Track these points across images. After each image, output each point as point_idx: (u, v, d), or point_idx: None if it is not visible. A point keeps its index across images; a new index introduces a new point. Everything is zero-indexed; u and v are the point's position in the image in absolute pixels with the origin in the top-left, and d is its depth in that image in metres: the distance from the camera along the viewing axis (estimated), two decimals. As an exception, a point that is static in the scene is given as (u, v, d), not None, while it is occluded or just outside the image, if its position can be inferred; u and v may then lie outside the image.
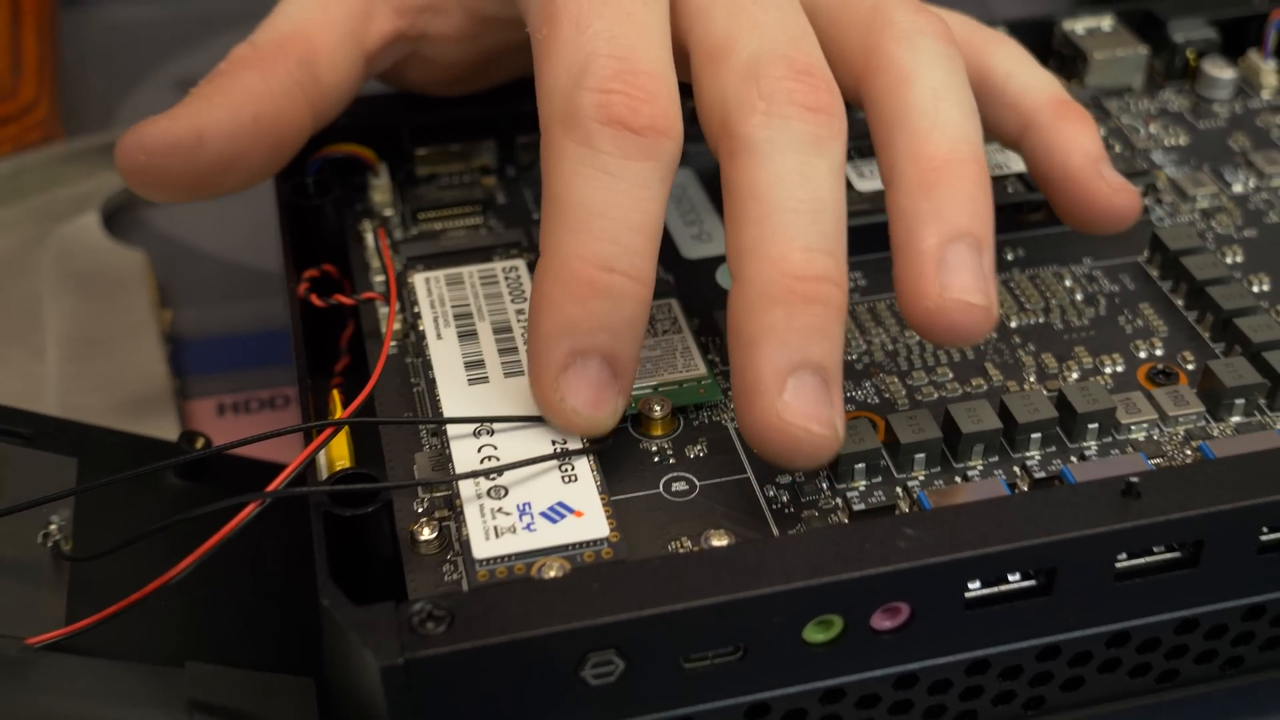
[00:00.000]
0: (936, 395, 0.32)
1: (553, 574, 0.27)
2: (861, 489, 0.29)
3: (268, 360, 0.40)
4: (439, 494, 0.29)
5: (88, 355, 0.38)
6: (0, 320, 0.38)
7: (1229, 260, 0.35)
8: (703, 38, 0.30)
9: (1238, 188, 0.37)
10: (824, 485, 0.30)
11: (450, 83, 0.38)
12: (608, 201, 0.28)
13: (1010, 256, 0.36)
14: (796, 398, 0.27)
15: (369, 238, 0.35)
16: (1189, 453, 0.30)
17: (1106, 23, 0.41)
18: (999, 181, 0.36)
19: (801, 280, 0.27)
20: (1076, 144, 0.32)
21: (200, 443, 0.34)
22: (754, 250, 0.27)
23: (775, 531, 0.29)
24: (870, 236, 0.34)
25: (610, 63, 0.28)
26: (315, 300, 0.33)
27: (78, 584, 0.30)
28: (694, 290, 0.34)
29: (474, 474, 0.28)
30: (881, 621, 0.27)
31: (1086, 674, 0.29)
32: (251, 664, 0.30)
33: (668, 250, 0.35)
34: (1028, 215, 0.36)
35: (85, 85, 0.49)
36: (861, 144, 0.36)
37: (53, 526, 0.31)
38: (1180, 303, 0.34)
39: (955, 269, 0.28)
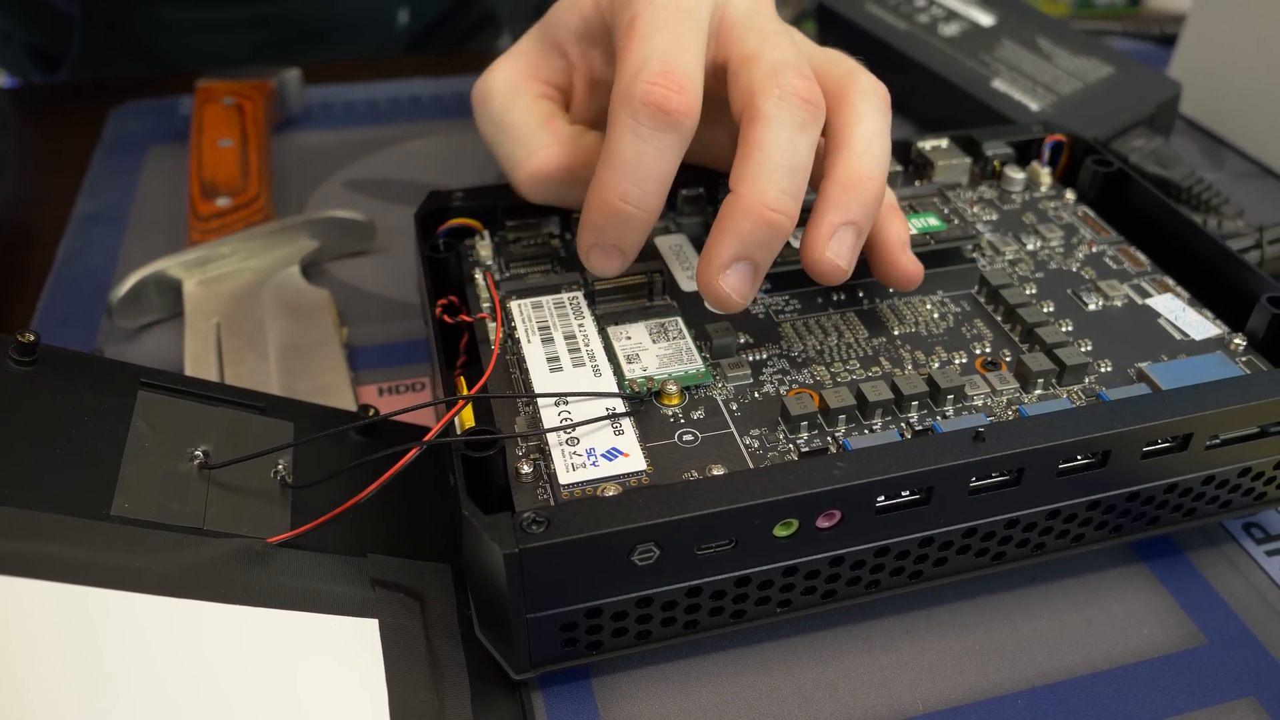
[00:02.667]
0: (850, 378, 0.31)
1: (610, 493, 0.26)
2: (805, 438, 0.28)
3: (411, 359, 0.38)
4: (533, 444, 0.28)
5: (295, 357, 0.36)
6: (240, 335, 0.37)
7: (1028, 292, 0.34)
8: (740, 50, 0.29)
9: (1030, 246, 0.36)
10: (780, 436, 0.29)
11: None
12: (637, 156, 0.28)
13: (891, 290, 0.34)
14: (735, 275, 0.28)
15: (479, 279, 0.34)
16: (1010, 413, 0.29)
17: (944, 143, 0.40)
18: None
19: (770, 209, 0.27)
20: (894, 231, 0.32)
21: (371, 412, 0.33)
22: (748, 179, 0.28)
23: (751, 466, 0.28)
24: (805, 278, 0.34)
25: (659, 64, 0.28)
26: (446, 319, 0.32)
27: (298, 504, 0.29)
28: (691, 311, 0.33)
29: (556, 429, 0.28)
30: (823, 522, 0.26)
31: (949, 555, 0.29)
32: (409, 554, 0.29)
33: (671, 285, 0.34)
34: None
35: (288, 185, 0.47)
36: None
37: (280, 466, 0.30)
38: (999, 319, 0.33)
39: (840, 241, 0.29)
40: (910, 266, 0.32)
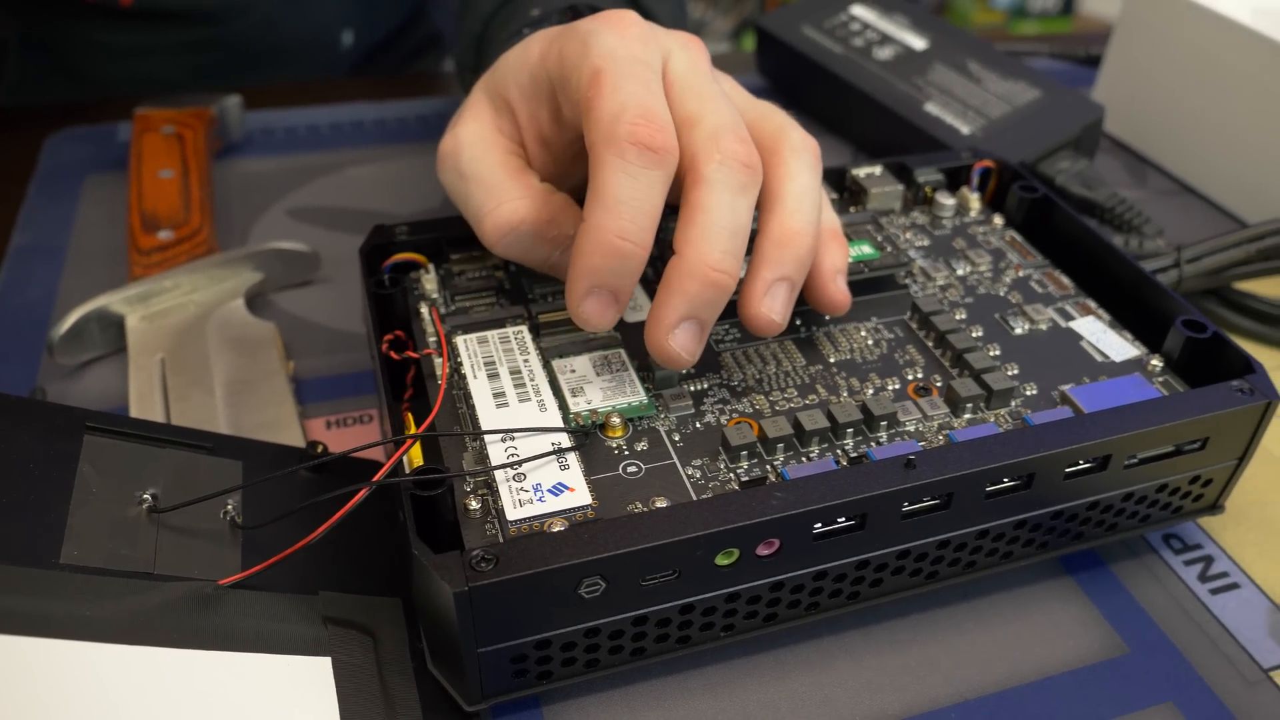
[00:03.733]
0: (788, 406, 0.32)
1: (557, 529, 0.27)
2: (745, 467, 0.30)
3: (357, 391, 0.39)
4: (481, 480, 0.29)
5: (242, 392, 0.37)
6: (185, 371, 0.37)
7: (957, 317, 0.35)
8: (681, 112, 0.30)
9: (960, 271, 0.38)
10: (721, 465, 0.30)
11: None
12: (631, 194, 0.28)
13: (827, 318, 0.36)
14: (683, 334, 0.29)
15: (425, 313, 0.35)
16: (941, 438, 0.31)
17: (877, 170, 0.42)
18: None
19: (714, 269, 0.29)
20: (829, 259, 0.33)
21: (320, 449, 0.34)
22: (693, 241, 0.29)
23: (693, 496, 0.29)
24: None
25: (638, 108, 0.29)
26: (393, 355, 0.33)
27: (248, 544, 0.30)
28: (634, 343, 0.34)
29: (503, 465, 0.29)
30: (762, 550, 0.27)
31: (884, 576, 0.30)
32: (361, 590, 0.30)
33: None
34: None
35: (230, 215, 0.47)
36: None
37: (229, 506, 0.30)
38: (930, 344, 0.34)
39: (774, 296, 0.31)
40: (838, 295, 0.33)
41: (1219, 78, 0.51)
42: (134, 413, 0.36)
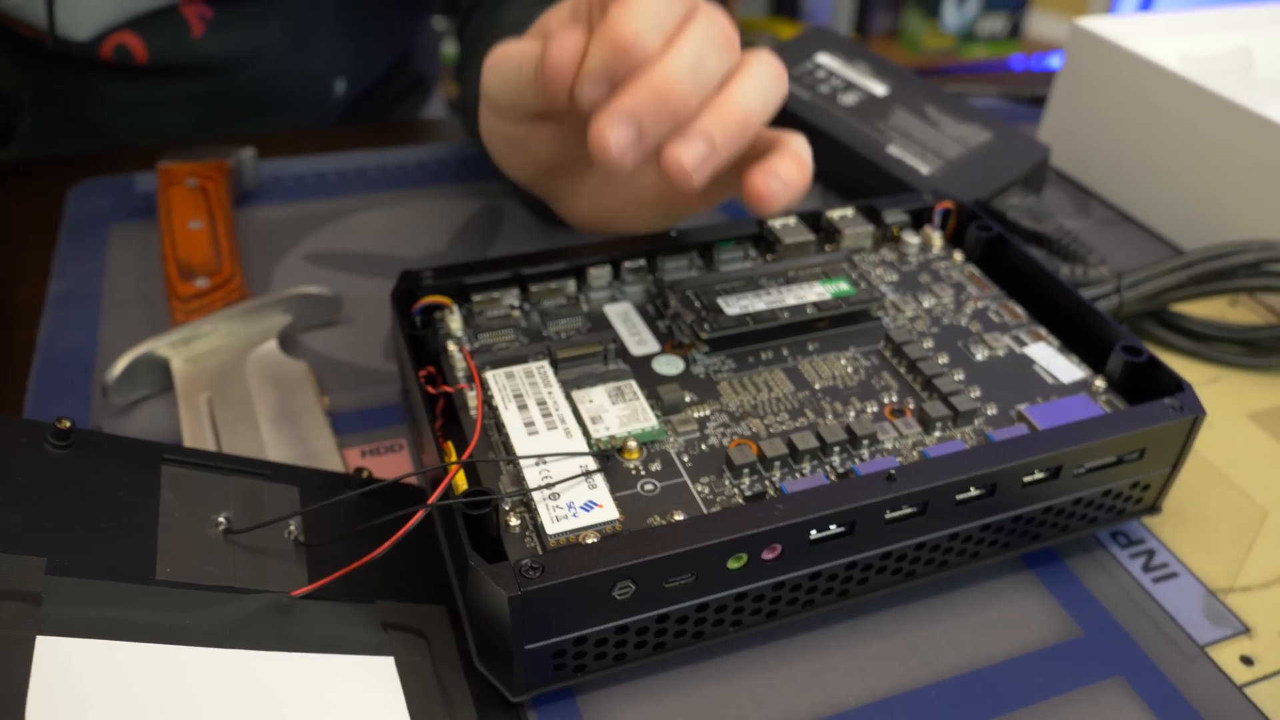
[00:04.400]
0: (781, 429, 0.36)
1: (591, 540, 0.31)
2: (747, 483, 0.34)
3: (386, 423, 0.42)
4: (518, 499, 0.32)
5: (284, 426, 0.40)
6: (231, 408, 0.40)
7: (925, 346, 0.40)
8: None
9: (926, 304, 0.42)
10: (727, 482, 0.34)
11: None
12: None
13: (810, 347, 0.40)
14: (617, 128, 0.33)
15: (453, 350, 0.38)
16: (915, 454, 0.35)
17: (850, 212, 0.46)
18: (801, 307, 0.40)
19: (631, 37, 0.33)
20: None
21: (365, 473, 0.38)
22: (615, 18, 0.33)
23: (704, 509, 0.33)
24: (737, 339, 0.40)
25: None
26: (430, 389, 0.37)
27: (312, 560, 0.34)
28: (641, 373, 0.38)
29: (540, 487, 0.33)
30: (767, 554, 0.31)
31: (870, 575, 0.34)
32: (410, 599, 0.34)
33: (622, 350, 0.39)
34: (817, 325, 0.41)
35: (252, 260, 0.51)
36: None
37: (292, 527, 0.34)
38: (903, 371, 0.39)
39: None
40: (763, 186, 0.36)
41: (1153, 117, 0.57)
42: (188, 446, 0.39)
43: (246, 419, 0.41)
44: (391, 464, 0.41)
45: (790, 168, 0.37)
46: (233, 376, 0.42)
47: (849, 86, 0.61)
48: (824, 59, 0.63)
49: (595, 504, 0.32)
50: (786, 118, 0.60)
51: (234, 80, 0.66)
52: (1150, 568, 0.39)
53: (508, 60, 0.38)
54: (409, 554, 0.35)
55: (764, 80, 0.36)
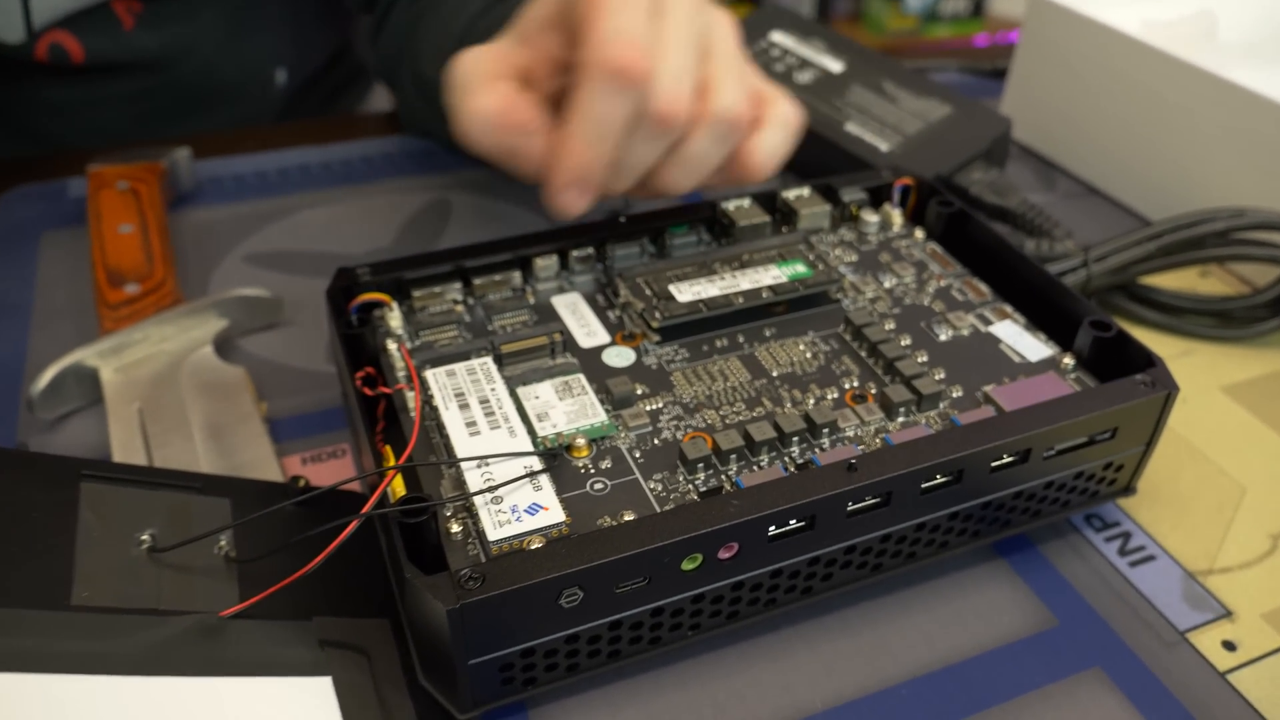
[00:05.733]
0: (738, 419, 0.34)
1: (536, 545, 0.29)
2: (702, 478, 0.32)
3: (328, 427, 0.41)
4: (459, 504, 0.31)
5: (220, 435, 0.38)
6: (163, 419, 0.39)
7: (887, 327, 0.39)
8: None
9: (887, 284, 0.41)
10: (680, 478, 0.32)
11: None
12: (604, 110, 0.35)
13: (767, 333, 0.38)
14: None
15: (393, 349, 0.37)
16: (878, 441, 0.34)
17: (806, 192, 0.45)
18: (757, 291, 0.39)
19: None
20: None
21: (302, 482, 0.36)
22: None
23: (656, 508, 0.31)
24: (691, 327, 0.38)
25: (625, 38, 0.34)
26: (367, 391, 0.35)
27: (244, 577, 0.32)
28: (590, 366, 0.37)
29: (481, 491, 0.31)
30: (723, 554, 0.30)
31: (834, 570, 0.33)
32: (350, 613, 0.32)
33: (570, 343, 0.38)
34: (774, 309, 0.39)
35: (188, 264, 0.49)
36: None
37: (223, 542, 0.32)
38: (864, 354, 0.37)
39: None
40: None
41: (1115, 85, 0.56)
42: (118, 460, 0.37)
43: (179, 429, 0.38)
44: (334, 470, 0.39)
45: (779, 138, 0.40)
46: (165, 385, 0.40)
47: (804, 64, 0.59)
48: (778, 37, 0.61)
49: (540, 507, 0.31)
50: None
51: (172, 75, 0.63)
52: (1126, 551, 0.37)
53: (480, 120, 0.38)
54: (349, 565, 0.34)
55: (781, 139, 0.40)
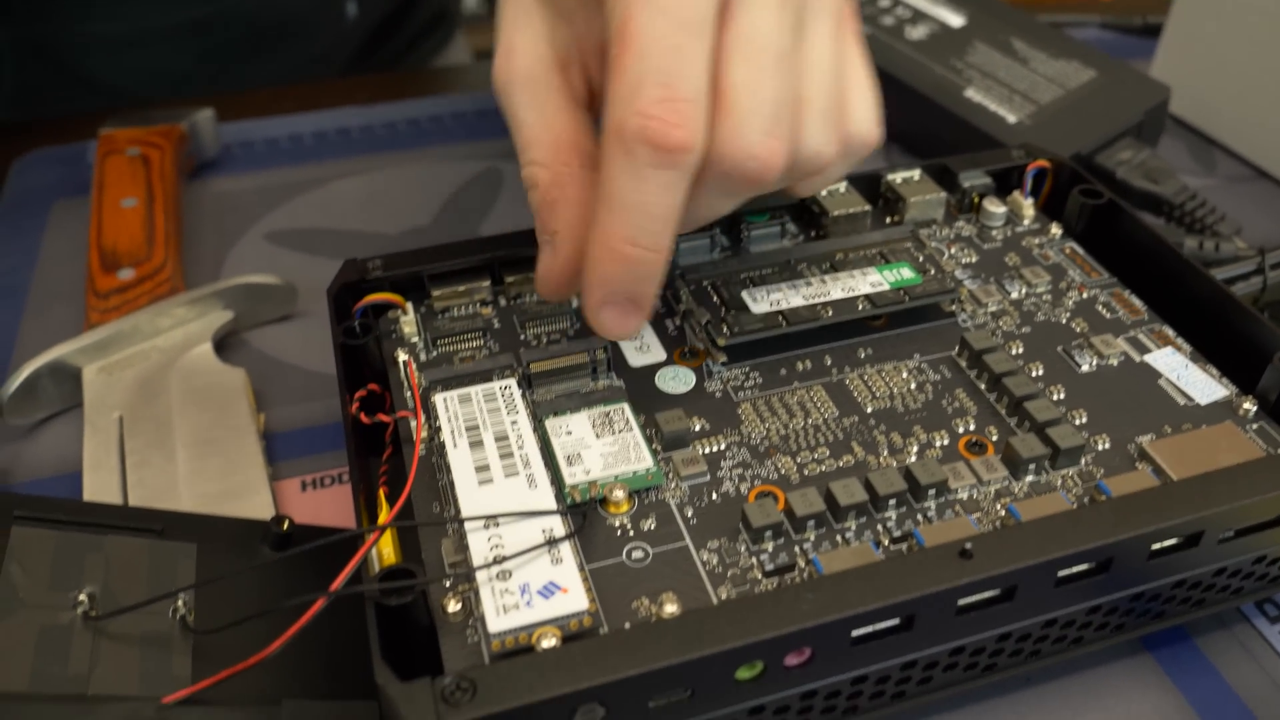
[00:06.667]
0: (819, 470, 0.28)
1: (548, 643, 0.23)
2: (770, 550, 0.25)
3: (337, 445, 0.35)
4: (461, 572, 0.25)
5: (207, 454, 0.33)
6: (145, 432, 0.33)
7: (1014, 353, 0.31)
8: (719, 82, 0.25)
9: (1014, 294, 0.33)
10: (742, 548, 0.26)
11: None
12: (637, 196, 0.25)
13: (862, 355, 0.31)
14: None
15: (401, 363, 0.31)
16: (999, 508, 0.26)
17: (916, 175, 0.37)
18: (851, 301, 0.32)
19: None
20: None
21: (286, 525, 0.30)
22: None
23: (709, 587, 0.25)
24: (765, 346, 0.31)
25: (656, 90, 0.24)
26: (364, 418, 0.29)
27: (200, 649, 0.26)
28: (639, 390, 0.30)
29: (483, 566, 0.24)
30: (792, 659, 0.23)
31: (934, 674, 0.26)
32: (329, 694, 0.26)
33: (617, 361, 0.31)
34: (872, 325, 0.32)
35: (203, 242, 0.44)
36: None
37: (180, 602, 0.27)
38: (983, 387, 0.30)
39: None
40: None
41: (1297, 49, 0.46)
42: (87, 483, 0.32)
43: (162, 445, 0.33)
44: (336, 500, 0.33)
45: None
46: (153, 390, 0.35)
47: (918, 17, 0.50)
48: (889, -15, 0.52)
49: (558, 588, 0.24)
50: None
51: (229, 2, 0.57)
52: (1313, 650, 0.29)
53: (529, 183, 0.29)
54: (333, 636, 0.27)
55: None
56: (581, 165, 0.28)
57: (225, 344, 0.38)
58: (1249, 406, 0.29)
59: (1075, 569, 0.25)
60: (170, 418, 0.34)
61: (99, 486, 0.32)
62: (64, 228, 0.45)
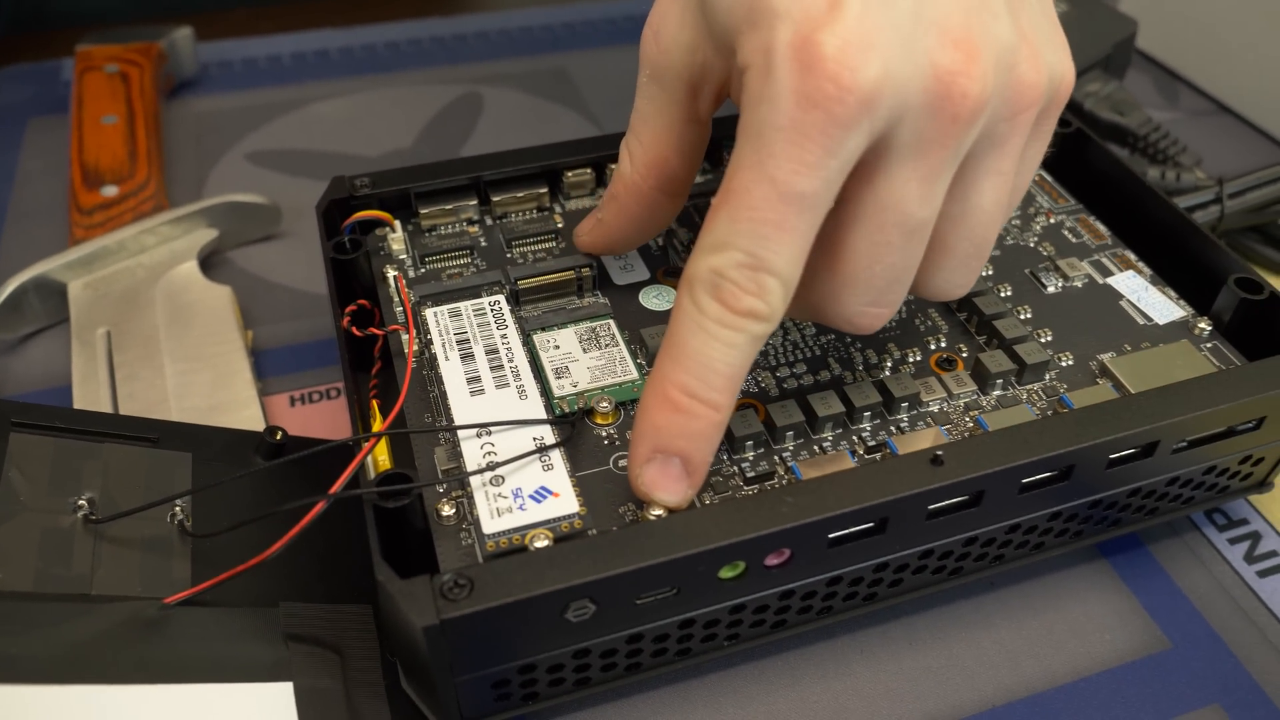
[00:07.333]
0: (797, 384, 0.28)
1: (540, 544, 0.24)
2: (751, 458, 0.26)
3: (324, 361, 0.35)
4: (456, 477, 0.25)
5: (195, 369, 0.33)
6: (133, 346, 0.33)
7: (985, 274, 0.32)
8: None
9: (986, 218, 0.34)
10: (724, 457, 0.27)
11: None
12: (701, 348, 0.23)
13: None
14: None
15: (391, 279, 0.31)
16: (968, 421, 0.27)
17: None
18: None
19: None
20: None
21: (279, 435, 0.30)
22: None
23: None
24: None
25: (740, 256, 0.22)
26: (355, 331, 0.29)
27: (199, 551, 0.27)
28: (625, 310, 0.31)
29: (477, 471, 0.25)
30: (772, 560, 0.24)
31: (905, 576, 0.27)
32: (326, 597, 0.27)
33: (603, 279, 0.32)
34: None
35: (184, 161, 0.43)
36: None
37: (177, 508, 0.27)
38: (954, 307, 0.31)
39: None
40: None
41: (1262, -14, 0.47)
42: (77, 396, 0.32)
43: (150, 360, 0.33)
44: (326, 415, 0.34)
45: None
46: (139, 306, 0.35)
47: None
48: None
49: (550, 492, 0.25)
50: None
51: None
52: (1255, 557, 0.31)
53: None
54: (327, 539, 0.28)
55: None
56: (656, 185, 0.28)
57: (209, 263, 0.38)
58: (1204, 326, 0.30)
59: (1038, 476, 0.26)
60: (158, 334, 0.34)
61: (89, 399, 0.32)
62: (40, 145, 0.44)
